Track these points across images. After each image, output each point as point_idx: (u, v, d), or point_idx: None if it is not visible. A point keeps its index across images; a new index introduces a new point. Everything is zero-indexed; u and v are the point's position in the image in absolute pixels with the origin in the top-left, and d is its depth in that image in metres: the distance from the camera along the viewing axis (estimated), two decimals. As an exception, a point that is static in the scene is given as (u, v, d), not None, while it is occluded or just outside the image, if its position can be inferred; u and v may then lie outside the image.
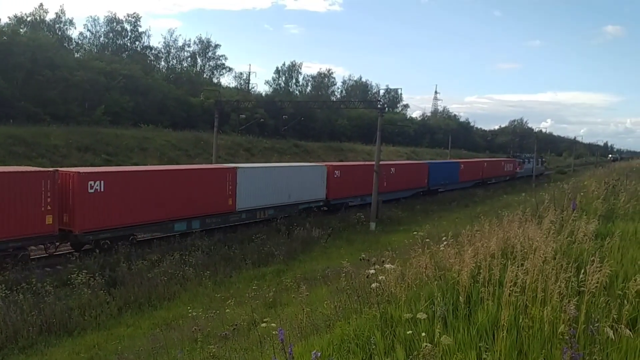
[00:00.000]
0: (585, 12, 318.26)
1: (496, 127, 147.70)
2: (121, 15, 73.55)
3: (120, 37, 72.59)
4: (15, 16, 60.18)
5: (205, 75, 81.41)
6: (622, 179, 15.20)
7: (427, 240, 7.60)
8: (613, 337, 3.98)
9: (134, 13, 78.19)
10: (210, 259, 20.49)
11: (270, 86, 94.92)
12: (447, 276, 5.94)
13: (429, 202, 41.98)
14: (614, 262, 5.84)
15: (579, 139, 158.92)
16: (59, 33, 65.38)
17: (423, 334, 4.41)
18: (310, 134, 68.15)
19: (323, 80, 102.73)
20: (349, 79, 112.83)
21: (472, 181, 56.14)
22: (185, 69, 78.57)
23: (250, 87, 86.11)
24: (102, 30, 71.91)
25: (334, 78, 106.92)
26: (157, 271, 18.00)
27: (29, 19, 61.60)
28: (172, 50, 79.97)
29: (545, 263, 5.13)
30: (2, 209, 17.08)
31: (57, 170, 19.58)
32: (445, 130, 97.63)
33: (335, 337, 5.16)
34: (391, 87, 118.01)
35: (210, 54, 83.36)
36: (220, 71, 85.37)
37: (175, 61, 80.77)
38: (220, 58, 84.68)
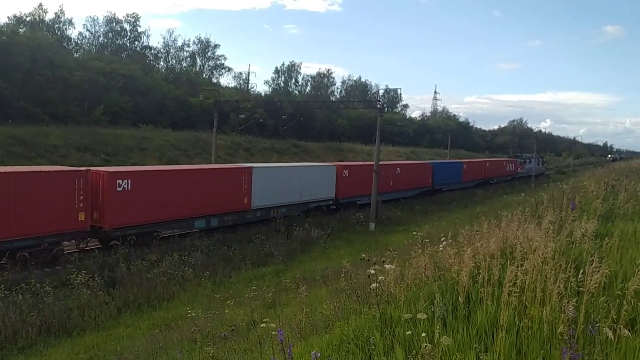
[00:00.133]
0: (585, 12, 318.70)
1: (496, 127, 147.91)
2: (120, 15, 73.60)
3: (120, 37, 72.56)
4: (15, 16, 60.21)
5: (204, 75, 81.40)
6: (621, 179, 15.22)
7: (427, 240, 7.60)
8: (612, 338, 3.98)
9: (133, 13, 78.32)
10: (209, 259, 20.48)
11: (270, 86, 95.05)
12: (446, 276, 5.94)
13: (428, 202, 42.01)
14: (613, 262, 5.85)
15: (578, 139, 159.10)
16: (58, 33, 65.34)
17: (423, 335, 4.41)
18: (309, 134, 68.15)
19: (322, 80, 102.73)
20: (349, 79, 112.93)
21: (475, 181, 56.82)
22: (184, 69, 78.56)
23: (249, 87, 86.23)
24: (102, 30, 71.95)
25: (334, 78, 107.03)
26: (156, 271, 17.98)
27: (28, 18, 61.57)
28: (172, 50, 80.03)
29: (545, 263, 5.13)
30: (40, 206, 18.09)
31: (89, 169, 20.75)
32: (444, 131, 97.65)
33: (334, 338, 5.16)
34: (391, 87, 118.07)
35: (209, 54, 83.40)
36: (219, 71, 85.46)
37: (174, 61, 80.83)
38: (220, 58, 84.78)
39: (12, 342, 12.96)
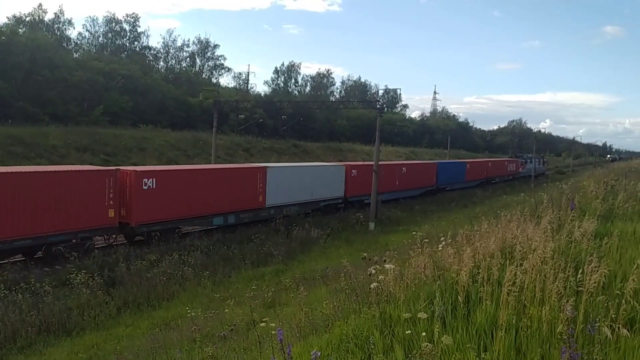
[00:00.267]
0: (585, 13, 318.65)
1: (495, 128, 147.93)
2: (120, 16, 73.61)
3: (119, 37, 72.56)
4: (14, 16, 60.24)
5: (204, 76, 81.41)
6: (620, 179, 15.24)
7: (426, 240, 7.61)
8: (611, 337, 3.99)
9: (132, 13, 78.47)
10: (209, 259, 20.47)
11: (269, 86, 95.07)
12: (446, 276, 5.95)
13: (428, 202, 42.05)
14: (613, 262, 5.86)
15: (577, 139, 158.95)
16: (58, 33, 65.35)
17: (423, 334, 4.42)
18: (309, 134, 68.14)
19: (322, 81, 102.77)
20: (348, 79, 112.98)
21: (478, 180, 57.77)
22: (184, 69, 78.55)
23: (249, 87, 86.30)
24: (101, 30, 71.95)
25: (333, 78, 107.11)
26: (156, 271, 17.96)
27: (27, 19, 61.57)
28: (171, 51, 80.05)
29: (544, 263, 5.14)
30: (74, 203, 19.18)
31: (119, 169, 21.99)
32: (444, 131, 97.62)
33: (334, 337, 5.16)
34: (390, 87, 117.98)
35: (209, 54, 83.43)
36: (219, 71, 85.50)
37: (174, 61, 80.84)
38: (219, 58, 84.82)
39: (12, 341, 12.96)
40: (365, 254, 8.02)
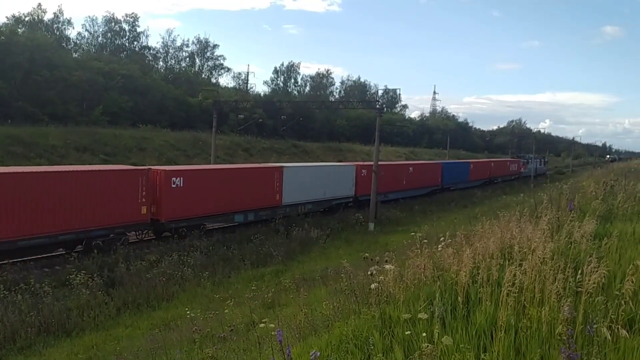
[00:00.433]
0: (584, 13, 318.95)
1: (495, 128, 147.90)
2: (119, 15, 73.66)
3: (119, 37, 72.51)
4: (14, 16, 60.22)
5: (203, 76, 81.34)
6: (620, 179, 15.24)
7: (425, 241, 7.61)
8: (610, 338, 3.99)
9: (132, 13, 78.37)
10: (208, 259, 20.46)
11: (269, 86, 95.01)
12: (445, 276, 5.95)
13: (427, 202, 42.09)
14: (612, 262, 5.86)
15: (577, 139, 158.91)
16: (57, 33, 65.30)
17: (423, 334, 4.42)
18: (308, 134, 68.11)
19: (321, 81, 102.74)
20: (348, 79, 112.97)
21: (481, 180, 58.98)
22: (183, 69, 78.51)
23: (248, 87, 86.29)
24: (101, 30, 71.90)
25: (333, 78, 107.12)
26: (156, 272, 17.95)
27: (27, 18, 61.54)
28: (171, 51, 79.97)
29: (543, 264, 5.14)
30: (111, 200, 20.51)
31: (150, 168, 23.35)
32: (443, 131, 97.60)
33: (333, 338, 5.16)
34: (390, 87, 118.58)
35: (208, 54, 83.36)
36: (218, 71, 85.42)
37: (173, 61, 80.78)
38: (219, 58, 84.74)
39: (12, 342, 12.96)
40: (367, 254, 8.03)
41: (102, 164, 32.54)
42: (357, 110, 69.24)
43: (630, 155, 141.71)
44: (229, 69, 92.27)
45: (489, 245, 6.34)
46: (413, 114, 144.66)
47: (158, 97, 55.53)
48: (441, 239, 7.65)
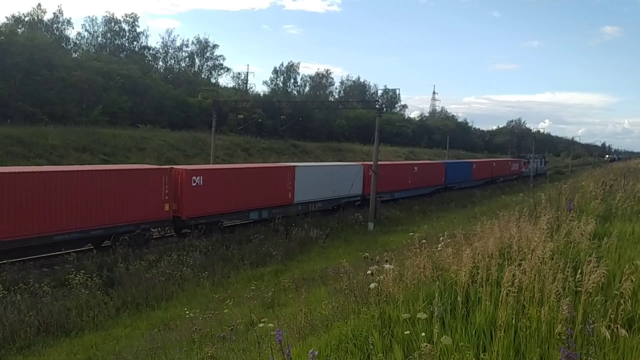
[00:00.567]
0: (584, 13, 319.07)
1: (494, 128, 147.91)
2: (119, 16, 73.65)
3: (118, 37, 72.49)
4: (13, 16, 60.28)
5: (203, 76, 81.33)
6: (619, 179, 15.24)
7: (424, 241, 7.60)
8: (609, 337, 3.99)
9: (132, 13, 78.39)
10: (208, 259, 20.43)
11: (269, 86, 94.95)
12: (445, 276, 5.94)
13: (427, 202, 42.08)
14: (611, 262, 5.86)
15: (577, 139, 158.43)
16: (57, 33, 65.27)
17: (422, 334, 4.41)
18: (308, 134, 68.10)
19: (321, 81, 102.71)
20: (347, 79, 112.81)
21: (483, 179, 59.85)
22: (183, 69, 78.50)
23: (248, 88, 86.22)
24: (100, 30, 71.89)
25: (332, 78, 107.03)
26: (155, 271, 17.94)
27: (26, 19, 61.57)
28: (170, 51, 79.93)
29: (543, 263, 5.14)
30: (137, 197, 21.42)
31: (173, 167, 24.44)
32: (443, 131, 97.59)
33: (333, 338, 5.16)
34: (389, 87, 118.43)
35: (208, 54, 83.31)
36: (218, 71, 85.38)
37: (173, 61, 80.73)
38: (219, 58, 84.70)
39: (11, 342, 12.94)
40: (367, 254, 8.03)
41: (102, 164, 32.54)
42: (357, 110, 69.27)
43: (629, 155, 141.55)
44: (228, 69, 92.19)
45: (488, 245, 6.34)
46: (412, 114, 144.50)
47: (157, 97, 55.52)
48: (440, 239, 7.64)
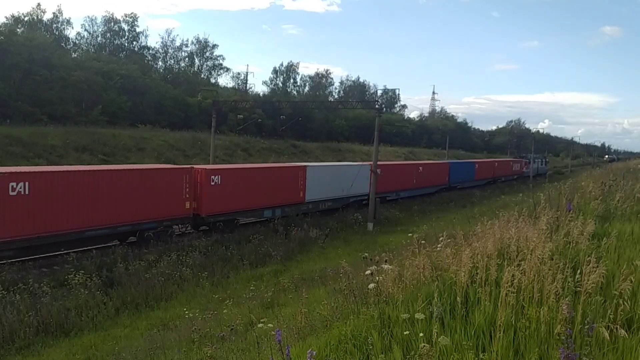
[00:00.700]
0: (583, 13, 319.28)
1: (494, 128, 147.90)
2: (119, 15, 73.55)
3: (118, 37, 72.48)
4: (13, 16, 60.23)
5: (202, 76, 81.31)
6: (618, 179, 15.25)
7: (423, 242, 7.60)
8: (608, 338, 3.99)
9: (131, 13, 78.25)
10: (207, 259, 20.43)
11: (268, 86, 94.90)
12: (444, 277, 5.94)
13: (426, 202, 42.11)
14: (611, 262, 5.86)
15: (576, 139, 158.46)
16: (57, 33, 65.25)
17: (421, 335, 4.41)
18: (308, 134, 68.08)
19: (321, 81, 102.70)
20: (347, 79, 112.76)
21: (485, 179, 60.93)
22: (182, 69, 78.46)
23: (247, 88, 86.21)
24: (100, 30, 71.88)
25: (332, 78, 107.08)
26: (155, 272, 17.93)
27: (26, 18, 61.55)
28: (170, 51, 79.94)
29: (542, 264, 5.14)
30: (160, 195, 22.37)
31: (193, 167, 25.38)
32: (442, 131, 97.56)
33: (332, 338, 5.16)
34: (389, 87, 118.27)
35: (207, 54, 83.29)
36: (217, 71, 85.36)
37: (172, 61, 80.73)
38: (218, 58, 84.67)
39: (10, 342, 12.94)
40: (367, 254, 8.03)
41: (101, 164, 32.54)
42: (356, 110, 69.29)
43: (629, 156, 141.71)
44: (228, 69, 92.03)
45: (487, 245, 6.34)
46: (412, 114, 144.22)
47: (157, 97, 55.49)
48: (440, 239, 7.64)
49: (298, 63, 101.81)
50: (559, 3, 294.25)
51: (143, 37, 75.09)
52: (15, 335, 13.10)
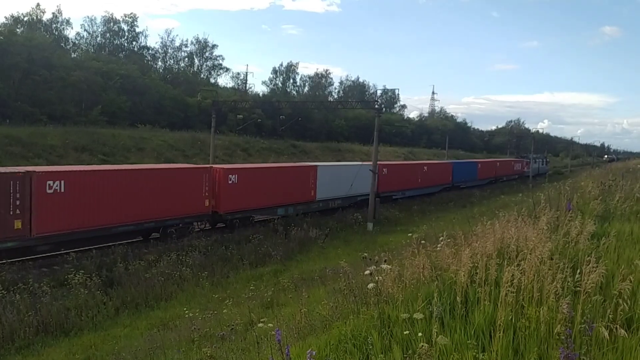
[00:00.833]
0: (583, 13, 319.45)
1: (493, 128, 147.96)
2: (118, 16, 73.73)
3: (117, 37, 72.50)
4: (12, 16, 60.27)
5: (202, 76, 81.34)
6: (618, 179, 15.25)
7: (423, 242, 7.60)
8: (608, 338, 3.99)
9: (131, 13, 78.72)
10: (207, 259, 20.42)
11: (268, 86, 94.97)
12: (444, 276, 5.94)
13: (426, 202, 42.14)
14: (610, 262, 5.87)
15: (576, 139, 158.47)
16: (56, 33, 65.29)
17: (420, 334, 4.42)
18: (307, 134, 68.08)
19: (320, 81, 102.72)
20: (347, 80, 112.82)
21: (488, 179, 62.02)
22: (182, 69, 78.46)
23: (247, 88, 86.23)
24: (99, 30, 71.92)
25: (332, 78, 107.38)
26: (154, 271, 17.91)
27: (25, 18, 61.60)
28: (169, 51, 79.97)
29: (542, 263, 5.14)
30: (182, 194, 23.35)
31: (212, 166, 26.70)
32: (442, 131, 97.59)
33: (332, 338, 5.16)
34: (388, 87, 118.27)
35: (207, 54, 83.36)
36: (217, 71, 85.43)
37: (172, 61, 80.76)
38: (218, 58, 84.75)
39: (10, 342, 12.93)
40: (366, 254, 8.03)
41: (101, 164, 32.55)
42: (356, 111, 69.31)
43: (628, 156, 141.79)
44: (227, 69, 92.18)
45: (487, 245, 6.34)
46: (412, 114, 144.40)
47: (156, 97, 55.50)
48: (440, 239, 7.65)
49: (298, 63, 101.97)
50: (558, 3, 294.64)
51: (142, 37, 75.32)
52: (15, 335, 13.09)
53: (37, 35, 51.47)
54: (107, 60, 57.89)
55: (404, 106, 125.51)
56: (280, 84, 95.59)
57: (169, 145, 44.73)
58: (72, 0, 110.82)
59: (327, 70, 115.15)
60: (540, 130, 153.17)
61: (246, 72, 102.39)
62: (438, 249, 7.21)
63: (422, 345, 4.00)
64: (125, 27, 72.42)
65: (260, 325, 7.50)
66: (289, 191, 29.72)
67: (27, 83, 43.06)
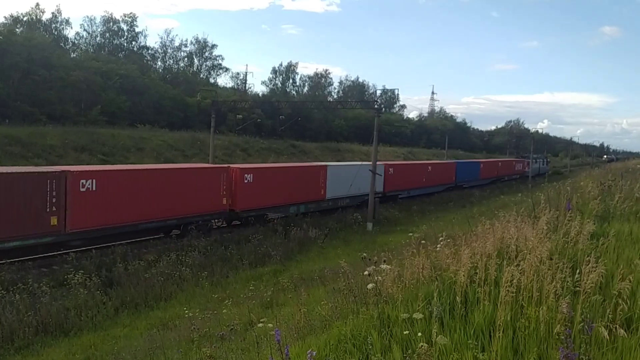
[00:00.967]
0: (582, 13, 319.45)
1: (493, 128, 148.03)
2: (118, 15, 73.62)
3: (117, 37, 72.49)
4: (12, 16, 60.26)
5: (202, 76, 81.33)
6: (617, 179, 15.25)
7: (423, 242, 7.61)
8: (608, 337, 3.99)
9: (130, 13, 78.68)
10: (207, 259, 20.42)
11: (267, 86, 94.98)
12: (443, 276, 5.94)
13: (426, 202, 42.21)
14: (610, 262, 5.87)
15: (575, 139, 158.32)
16: (55, 33, 65.30)
17: (419, 334, 4.42)
18: (307, 134, 68.11)
19: (320, 81, 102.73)
20: (346, 80, 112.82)
21: (490, 178, 63.08)
22: (182, 69, 78.46)
23: (247, 88, 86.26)
24: (99, 30, 71.90)
25: (331, 78, 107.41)
26: (154, 271, 17.92)
27: (25, 18, 61.58)
28: (169, 50, 79.98)
29: (541, 263, 5.14)
30: (202, 192, 24.26)
31: (229, 166, 27.63)
32: (442, 131, 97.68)
33: (332, 338, 5.16)
34: (388, 87, 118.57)
35: (207, 54, 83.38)
36: (217, 71, 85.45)
37: (172, 61, 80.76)
38: (217, 58, 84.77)
39: (9, 342, 12.93)
40: (365, 254, 8.03)
41: (100, 164, 32.56)
42: (356, 111, 69.31)
43: (627, 156, 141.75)
44: (227, 69, 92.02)
45: (487, 245, 6.34)
46: (411, 114, 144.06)
47: (156, 97, 55.51)
48: (439, 239, 7.65)
49: (297, 63, 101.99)
50: (558, 3, 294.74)
51: (142, 37, 75.32)
52: (14, 335, 13.09)
53: (36, 35, 51.49)
54: (107, 60, 57.89)
55: (403, 106, 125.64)
56: (279, 84, 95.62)
57: (168, 145, 44.73)
58: (71, 0, 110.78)
59: (326, 70, 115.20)
60: (540, 130, 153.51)
61: (246, 72, 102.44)
62: (438, 249, 7.22)
63: (422, 345, 4.00)
64: (125, 27, 72.50)
65: (259, 325, 7.50)
66: (301, 190, 30.71)
67: (26, 83, 43.06)
